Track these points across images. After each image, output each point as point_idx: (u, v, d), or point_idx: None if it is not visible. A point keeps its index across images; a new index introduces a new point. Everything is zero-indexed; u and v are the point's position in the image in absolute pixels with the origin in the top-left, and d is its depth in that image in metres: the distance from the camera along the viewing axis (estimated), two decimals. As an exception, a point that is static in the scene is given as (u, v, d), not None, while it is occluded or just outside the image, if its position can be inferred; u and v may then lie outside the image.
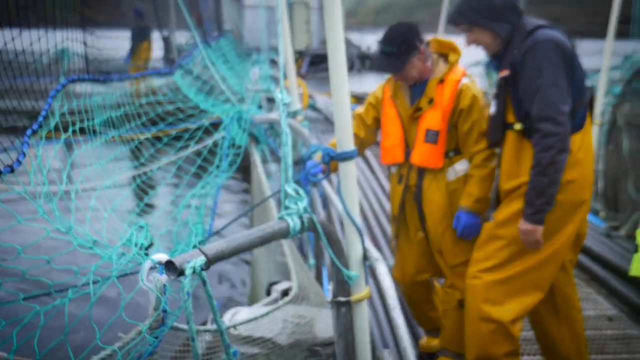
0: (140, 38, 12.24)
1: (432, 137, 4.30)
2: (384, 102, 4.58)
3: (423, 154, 4.34)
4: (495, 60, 3.98)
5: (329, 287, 3.04)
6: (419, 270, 4.72)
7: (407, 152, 4.44)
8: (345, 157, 2.91)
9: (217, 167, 4.06)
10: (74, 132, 3.49)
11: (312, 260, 5.72)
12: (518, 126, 3.83)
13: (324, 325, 3.90)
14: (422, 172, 4.43)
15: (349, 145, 2.90)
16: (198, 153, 4.64)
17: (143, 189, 3.91)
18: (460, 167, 4.40)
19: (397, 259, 4.83)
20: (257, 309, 3.86)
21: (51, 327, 2.36)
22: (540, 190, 3.65)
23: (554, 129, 3.58)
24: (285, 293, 4.17)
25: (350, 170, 2.95)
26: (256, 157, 5.45)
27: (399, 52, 4.21)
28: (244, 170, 11.06)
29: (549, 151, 3.60)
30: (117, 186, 3.73)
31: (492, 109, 3.92)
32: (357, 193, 3.01)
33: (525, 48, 3.70)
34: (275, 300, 4.12)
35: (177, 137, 4.73)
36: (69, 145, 3.58)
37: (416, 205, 4.50)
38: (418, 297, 4.88)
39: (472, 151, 4.28)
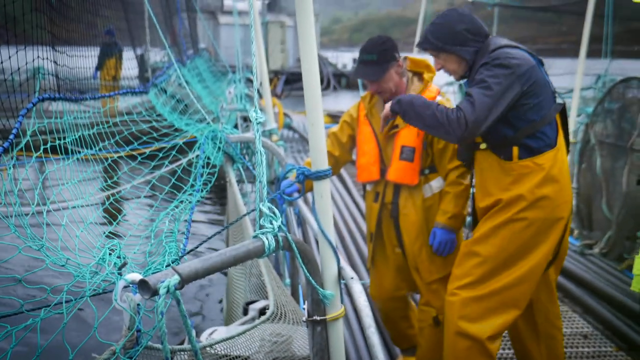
0: (107, 55, 12.21)
1: (407, 154, 4.38)
2: (359, 120, 4.65)
3: (399, 170, 4.41)
4: (466, 83, 4.07)
5: (304, 306, 3.05)
6: (396, 287, 4.77)
7: (383, 169, 4.51)
8: (320, 175, 2.93)
9: (192, 186, 4.05)
10: (45, 150, 3.48)
11: (287, 279, 5.72)
12: (483, 145, 3.90)
13: (302, 343, 3.90)
14: (398, 189, 4.50)
15: (323, 164, 2.92)
16: (172, 172, 4.63)
17: (115, 208, 3.90)
18: (436, 184, 4.46)
19: (373, 276, 4.88)
20: (234, 328, 3.85)
21: (23, 346, 2.34)
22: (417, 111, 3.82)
23: (466, 116, 3.64)
24: (262, 312, 4.16)
25: (325, 189, 2.97)
26: (231, 177, 5.45)
27: (378, 60, 4.30)
28: (219, 191, 11.06)
29: (443, 116, 3.69)
30: (89, 205, 3.72)
31: None
32: (332, 212, 3.03)
33: (481, 64, 3.78)
34: (253, 319, 4.11)
35: (151, 156, 4.72)
36: (40, 165, 3.56)
37: (393, 222, 4.56)
38: (395, 314, 4.91)
39: (447, 168, 4.37)
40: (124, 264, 2.43)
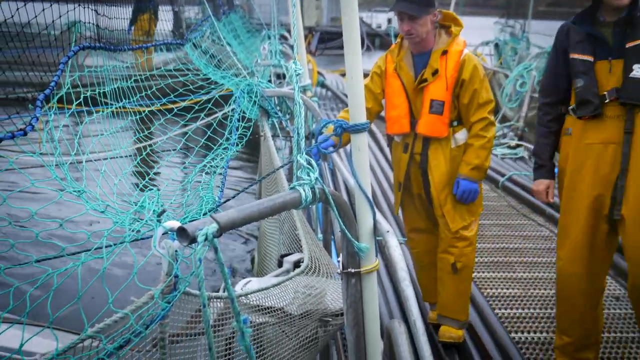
0: (141, 10, 12.17)
1: (437, 107, 4.46)
2: (387, 74, 4.72)
3: (429, 124, 4.50)
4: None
5: (339, 259, 3.05)
6: (428, 229, 4.90)
7: (412, 122, 4.57)
8: (358, 129, 2.91)
9: (227, 139, 4.05)
10: (83, 102, 3.49)
11: (320, 235, 5.73)
12: None
13: (335, 297, 3.92)
14: (427, 141, 4.60)
15: (362, 117, 2.90)
16: (207, 126, 4.63)
17: (151, 160, 3.91)
18: (461, 136, 4.57)
19: (405, 222, 5.06)
20: (268, 280, 3.88)
21: (64, 290, 2.37)
22: None
23: None
24: (296, 265, 4.18)
25: (362, 142, 2.95)
26: (266, 131, 5.45)
27: (420, 1, 4.35)
28: (253, 146, 11.08)
29: None
30: (125, 156, 3.74)
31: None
32: (368, 165, 3.02)
33: None
34: (287, 272, 4.13)
35: (187, 109, 4.72)
36: (78, 116, 3.58)
37: (421, 172, 4.66)
38: (427, 258, 5.02)
39: (471, 121, 4.45)
40: (163, 212, 2.45)
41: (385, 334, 2.40)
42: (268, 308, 3.64)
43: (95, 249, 2.40)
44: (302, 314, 3.80)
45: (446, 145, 4.56)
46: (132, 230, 2.52)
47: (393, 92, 4.64)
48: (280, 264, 4.41)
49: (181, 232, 2.26)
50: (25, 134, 2.43)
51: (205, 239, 2.26)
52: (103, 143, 3.61)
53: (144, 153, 3.76)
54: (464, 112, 4.51)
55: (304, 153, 2.78)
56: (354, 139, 2.93)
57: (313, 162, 2.80)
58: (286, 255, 4.44)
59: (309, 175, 2.77)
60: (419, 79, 4.46)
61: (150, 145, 4.03)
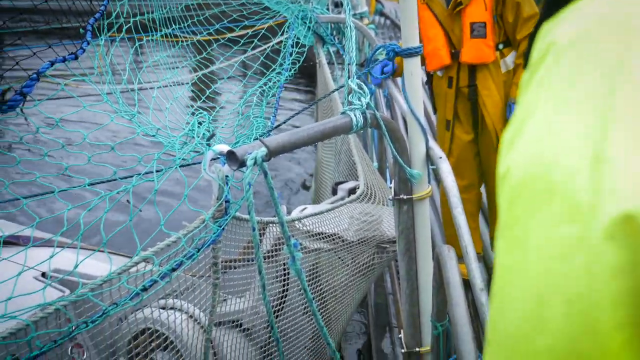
0: None
1: (479, 30, 4.21)
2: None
3: (473, 50, 4.26)
4: None
5: (390, 187, 3.01)
6: (472, 184, 4.72)
7: (453, 52, 4.34)
8: (411, 53, 2.83)
9: (281, 64, 4.00)
10: (136, 29, 3.47)
11: (375, 163, 5.69)
12: None
13: (392, 224, 3.90)
14: (473, 70, 4.34)
15: (414, 41, 2.82)
16: (261, 52, 4.58)
17: (204, 85, 3.90)
18: (511, 59, 4.35)
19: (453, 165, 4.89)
20: (324, 206, 3.88)
21: (116, 213, 2.40)
22: None
23: None
24: (351, 192, 4.16)
25: (415, 67, 2.88)
26: (322, 57, 5.38)
27: None
28: (309, 76, 10.99)
29: None
30: (178, 84, 3.73)
31: None
32: (422, 91, 2.94)
33: None
34: (342, 199, 4.12)
35: (240, 36, 4.67)
36: (132, 43, 3.57)
37: (470, 107, 4.42)
38: (467, 207, 4.92)
39: (518, 39, 4.20)
40: (212, 135, 2.44)
41: (435, 259, 2.37)
42: (323, 234, 3.65)
43: (146, 172, 2.41)
44: (358, 240, 3.80)
45: (495, 71, 4.32)
46: (183, 154, 2.53)
47: (425, 25, 4.35)
48: (334, 192, 4.40)
49: (230, 156, 2.25)
50: (76, 57, 2.43)
51: (255, 163, 2.24)
52: (157, 70, 3.61)
53: (195, 79, 3.75)
54: (510, 31, 4.25)
55: (356, 77, 2.73)
56: (407, 64, 2.86)
57: (364, 86, 2.74)
58: (341, 182, 4.43)
59: (360, 100, 2.71)
60: (453, 4, 4.22)
61: (203, 73, 4.00)
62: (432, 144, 2.94)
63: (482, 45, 4.22)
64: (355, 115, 2.64)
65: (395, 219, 2.97)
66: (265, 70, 3.94)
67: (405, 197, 2.88)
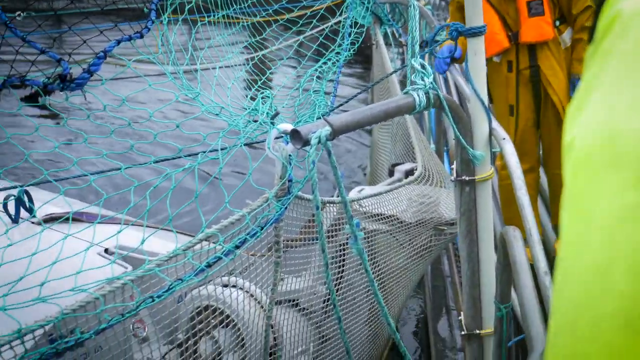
0: None
1: (537, 8, 4.16)
2: None
3: (532, 29, 4.20)
4: None
5: (451, 168, 2.98)
6: (533, 168, 4.66)
7: (511, 35, 4.27)
8: (475, 32, 2.80)
9: (339, 45, 3.99)
10: (195, 9, 3.49)
11: (432, 145, 5.65)
12: None
13: (449, 206, 3.87)
14: (533, 51, 4.29)
15: (479, 20, 2.77)
16: (319, 33, 4.56)
17: (263, 66, 3.90)
18: (568, 35, 4.31)
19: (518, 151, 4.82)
20: (381, 187, 3.86)
21: (181, 189, 2.43)
22: None
23: None
24: (408, 173, 4.14)
25: (479, 47, 2.84)
26: (379, 38, 5.35)
27: None
28: (365, 58, 10.93)
29: None
30: (236, 65, 3.74)
31: None
32: (485, 71, 2.90)
33: None
34: (399, 181, 4.10)
35: (299, 16, 4.66)
36: (189, 25, 3.59)
37: (532, 88, 4.36)
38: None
39: (574, 14, 4.13)
40: (277, 114, 2.44)
41: (500, 241, 2.34)
42: (381, 215, 3.64)
43: (210, 150, 2.43)
44: (416, 222, 3.78)
45: (556, 48, 4.27)
46: (247, 133, 2.54)
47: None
48: (391, 173, 4.38)
49: (294, 135, 2.25)
50: (141, 36, 2.46)
51: (319, 142, 2.24)
52: (215, 52, 3.63)
53: (256, 59, 3.76)
54: (565, 7, 4.19)
55: (418, 57, 2.70)
56: (470, 43, 2.83)
57: (427, 66, 2.72)
58: (397, 164, 4.40)
59: (423, 80, 2.69)
60: None
61: (263, 53, 4.01)
62: (495, 124, 2.90)
63: (542, 23, 4.18)
64: (418, 95, 2.62)
65: (457, 201, 2.94)
66: (323, 51, 3.92)
67: (467, 178, 2.85)
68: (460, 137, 2.79)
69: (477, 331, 2.85)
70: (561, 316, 0.53)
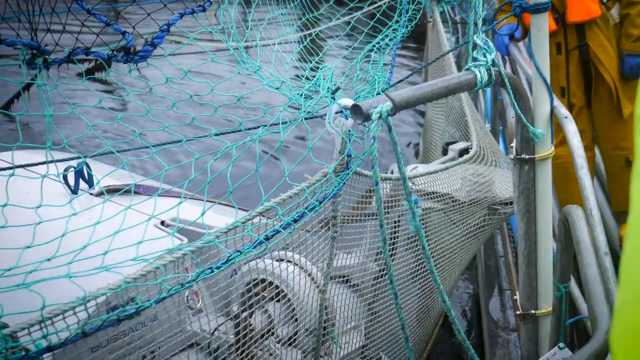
0: None
1: None
2: None
3: (579, 7, 4.18)
4: None
5: (511, 146, 2.94)
6: (589, 146, 4.61)
7: (557, 17, 4.21)
8: (538, 8, 2.75)
9: (396, 21, 3.95)
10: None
11: (487, 125, 5.59)
12: None
13: (504, 185, 3.83)
14: (581, 30, 4.27)
15: (543, -8, 2.74)
16: (372, 14, 4.51)
17: (316, 45, 3.89)
18: (616, 11, 4.29)
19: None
20: (435, 166, 3.84)
21: (240, 164, 2.45)
22: None
23: None
24: (462, 152, 4.10)
25: (543, 23, 2.80)
26: (436, 15, 5.30)
27: None
28: (417, 37, 10.82)
29: None
30: (289, 42, 3.72)
31: None
32: (548, 48, 2.86)
33: None
34: (452, 159, 4.07)
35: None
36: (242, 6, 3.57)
37: (581, 68, 4.33)
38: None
39: None
40: (337, 89, 2.44)
41: (561, 220, 2.31)
42: (435, 194, 3.62)
43: (271, 124, 2.45)
44: (470, 201, 3.76)
45: (604, 25, 4.24)
46: (307, 107, 2.55)
47: None
48: (445, 152, 4.35)
49: (355, 110, 2.25)
50: (204, 9, 2.48)
51: (379, 117, 2.24)
52: (274, 26, 3.63)
53: (313, 34, 3.75)
54: None
55: (481, 33, 2.67)
56: (534, 19, 2.79)
57: (490, 42, 2.68)
58: (451, 143, 4.37)
59: (485, 57, 2.66)
60: None
61: (312, 34, 3.98)
62: (557, 102, 2.86)
63: (587, 2, 4.16)
64: (480, 72, 2.59)
65: (515, 179, 2.91)
66: (380, 27, 3.89)
67: (527, 157, 2.82)
68: (521, 114, 2.76)
69: (533, 311, 2.83)
70: (629, 285, 0.53)
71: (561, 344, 2.23)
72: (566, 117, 2.83)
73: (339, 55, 3.96)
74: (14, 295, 2.14)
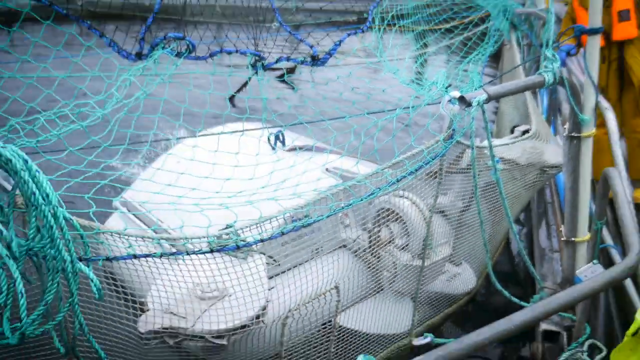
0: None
1: (625, 15, 3.85)
2: (575, 10, 4.14)
3: (622, 30, 3.88)
4: None
5: (564, 127, 2.73)
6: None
7: (604, 35, 3.87)
8: (595, 31, 2.53)
9: (486, 42, 3.74)
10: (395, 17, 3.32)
11: (543, 116, 5.21)
12: None
13: (551, 155, 3.60)
14: (621, 46, 3.92)
15: (597, 22, 2.49)
16: (467, 40, 4.25)
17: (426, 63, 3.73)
18: None
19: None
20: (505, 140, 3.66)
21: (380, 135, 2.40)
22: None
23: None
24: (524, 132, 3.88)
25: (596, 42, 2.56)
26: (513, 41, 4.97)
27: None
28: (493, 57, 10.15)
29: None
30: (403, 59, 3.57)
31: None
32: (598, 60, 2.61)
33: None
34: (517, 137, 3.86)
35: (455, 26, 4.39)
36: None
37: (618, 75, 4.00)
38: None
39: None
40: (449, 85, 2.36)
41: (602, 176, 2.13)
42: (503, 158, 3.45)
43: (405, 107, 2.41)
44: (527, 164, 3.56)
45: (639, 43, 3.88)
46: (428, 97, 2.49)
47: (583, 21, 3.91)
48: (512, 132, 4.12)
49: (461, 99, 2.18)
50: (363, 31, 2.45)
51: (478, 104, 2.15)
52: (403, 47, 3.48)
53: (426, 54, 3.61)
54: None
55: (551, 48, 2.48)
56: (590, 40, 2.56)
57: (556, 55, 2.49)
58: (516, 126, 4.14)
59: (552, 65, 2.48)
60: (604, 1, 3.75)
61: (423, 54, 3.84)
62: (601, 98, 2.62)
63: (628, 26, 3.85)
64: (547, 75, 2.43)
65: (566, 150, 2.71)
66: (474, 45, 3.69)
67: (575, 134, 2.62)
68: (574, 105, 2.56)
69: (573, 239, 2.65)
70: None
71: (595, 261, 2.09)
72: (607, 108, 2.59)
73: (445, 66, 3.81)
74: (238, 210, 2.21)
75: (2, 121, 1.97)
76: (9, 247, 1.45)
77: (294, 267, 2.89)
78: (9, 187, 1.58)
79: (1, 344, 1.45)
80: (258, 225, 2.23)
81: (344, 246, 3.36)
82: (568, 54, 3.81)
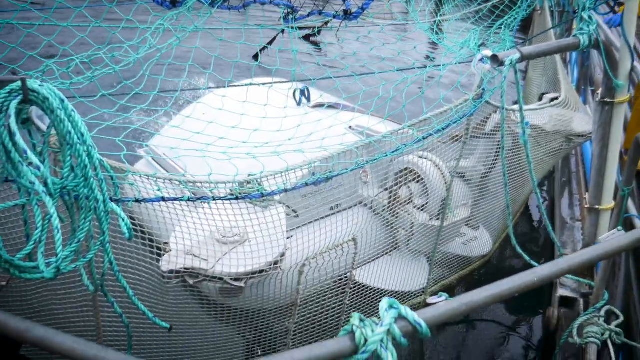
0: None
1: None
2: None
3: None
4: None
5: (597, 93, 2.62)
6: None
7: None
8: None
9: (519, 7, 3.56)
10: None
11: (573, 84, 5.02)
12: None
13: (579, 124, 3.47)
14: None
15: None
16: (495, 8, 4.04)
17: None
18: None
19: None
20: (533, 106, 3.54)
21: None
22: None
23: None
24: (553, 100, 3.74)
25: (633, 6, 2.40)
26: (545, 5, 4.74)
27: None
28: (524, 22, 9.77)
29: None
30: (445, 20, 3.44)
31: None
32: (635, 24, 2.46)
33: None
34: (545, 104, 3.73)
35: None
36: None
37: None
38: None
39: None
40: (482, 44, 2.27)
41: (634, 145, 2.05)
42: (530, 125, 3.35)
43: (435, 65, 2.33)
44: (553, 132, 3.45)
45: None
46: (459, 56, 2.39)
47: None
48: (540, 99, 3.98)
49: (494, 58, 2.09)
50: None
51: (510, 63, 2.06)
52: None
53: (458, 16, 3.46)
54: None
55: (588, 9, 2.35)
56: (628, 4, 2.40)
57: (592, 16, 2.36)
58: (545, 93, 3.99)
59: (588, 27, 2.35)
60: None
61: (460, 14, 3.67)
62: (637, 63, 2.49)
63: None
64: (583, 37, 2.31)
65: (597, 117, 2.60)
66: (507, 10, 3.52)
67: (608, 100, 2.51)
68: (609, 69, 2.44)
69: (597, 206, 2.58)
70: None
71: (620, 227, 2.03)
72: (642, 75, 2.46)
73: (478, 27, 3.65)
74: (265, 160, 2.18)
75: (37, 64, 1.95)
76: (45, 184, 1.46)
77: (314, 220, 2.88)
78: (43, 127, 1.57)
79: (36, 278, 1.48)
80: (283, 174, 2.21)
81: (363, 204, 3.33)
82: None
